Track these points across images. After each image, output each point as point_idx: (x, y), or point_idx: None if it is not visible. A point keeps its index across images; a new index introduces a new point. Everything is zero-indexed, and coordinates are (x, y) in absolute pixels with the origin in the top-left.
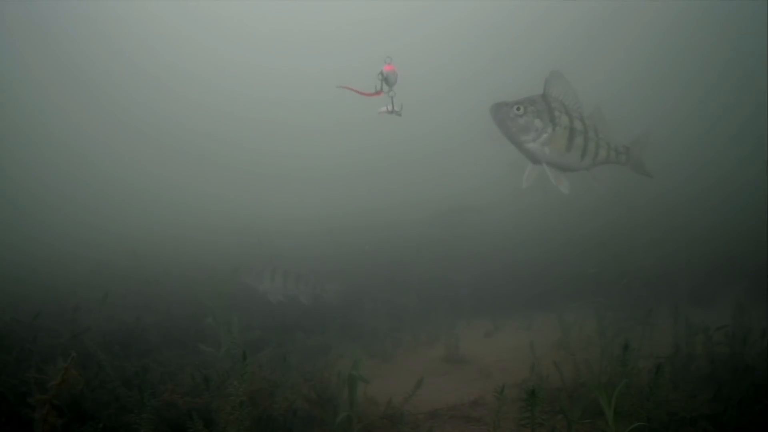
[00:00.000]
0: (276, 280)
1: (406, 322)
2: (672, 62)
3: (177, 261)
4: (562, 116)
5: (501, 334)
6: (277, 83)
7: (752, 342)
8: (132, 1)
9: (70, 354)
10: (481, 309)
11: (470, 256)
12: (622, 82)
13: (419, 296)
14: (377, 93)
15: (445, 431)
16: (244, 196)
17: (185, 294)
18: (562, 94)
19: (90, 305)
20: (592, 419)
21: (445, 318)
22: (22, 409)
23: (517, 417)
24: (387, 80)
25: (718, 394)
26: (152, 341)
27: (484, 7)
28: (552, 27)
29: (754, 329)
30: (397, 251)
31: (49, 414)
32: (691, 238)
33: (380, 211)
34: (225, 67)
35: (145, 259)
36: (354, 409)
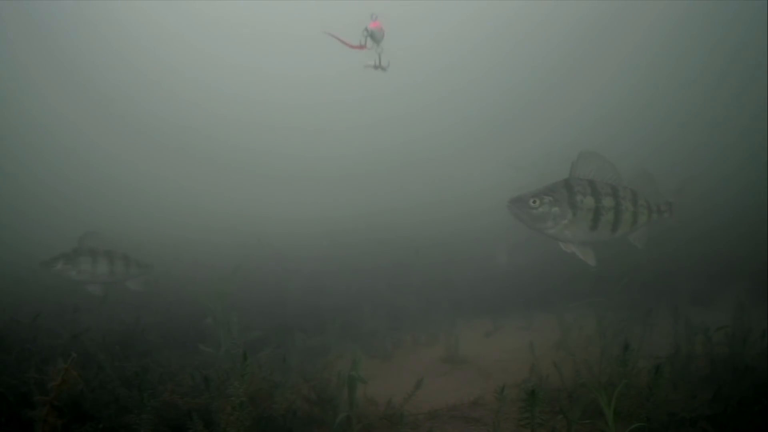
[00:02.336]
0: (99, 265)
1: (406, 322)
2: (673, 64)
3: (177, 261)
4: (586, 198)
5: (501, 334)
6: (277, 85)
7: (752, 342)
8: (132, 1)
9: (70, 354)
10: (481, 309)
11: (470, 256)
12: (624, 84)
13: (419, 296)
14: (361, 47)
15: (444, 431)
16: (244, 197)
17: (185, 294)
18: (594, 171)
19: (90, 305)
20: (591, 419)
21: (445, 318)
22: (22, 409)
23: (517, 417)
24: (373, 36)
25: (718, 394)
26: (152, 341)
27: (487, 8)
28: (550, 31)
29: (754, 329)
30: (397, 252)
31: (49, 414)
32: (690, 237)
33: (380, 213)
34: (226, 69)
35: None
36: (354, 409)
